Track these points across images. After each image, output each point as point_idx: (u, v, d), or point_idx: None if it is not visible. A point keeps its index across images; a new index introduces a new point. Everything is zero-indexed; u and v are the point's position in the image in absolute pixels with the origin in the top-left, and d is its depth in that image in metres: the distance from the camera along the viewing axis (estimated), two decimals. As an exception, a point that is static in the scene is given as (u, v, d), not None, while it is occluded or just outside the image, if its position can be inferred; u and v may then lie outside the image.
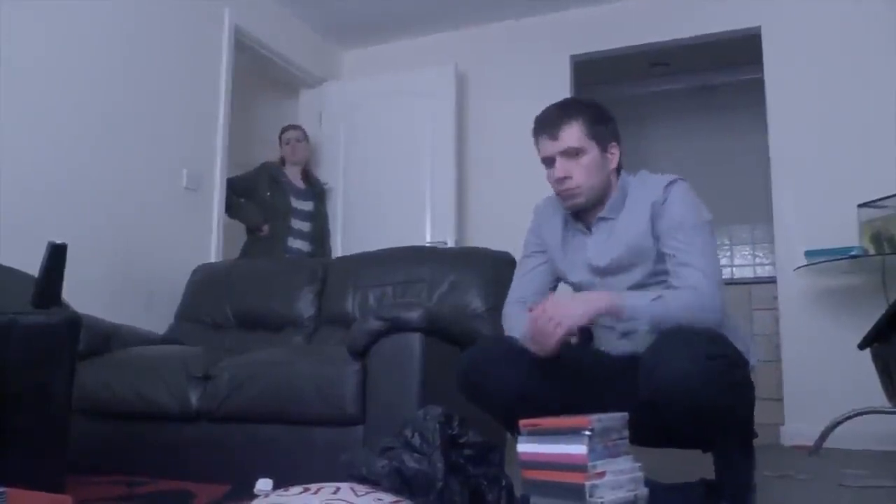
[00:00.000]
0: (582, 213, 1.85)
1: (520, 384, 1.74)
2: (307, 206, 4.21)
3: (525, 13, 4.62)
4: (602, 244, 1.81)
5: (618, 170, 1.84)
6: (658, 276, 1.75)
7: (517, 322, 1.85)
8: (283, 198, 4.10)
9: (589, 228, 1.85)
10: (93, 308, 2.71)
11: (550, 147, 1.78)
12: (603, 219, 1.82)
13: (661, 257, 1.74)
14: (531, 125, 1.85)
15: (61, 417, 1.72)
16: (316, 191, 4.33)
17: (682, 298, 1.64)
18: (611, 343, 1.84)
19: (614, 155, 1.82)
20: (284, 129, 4.31)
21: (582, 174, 1.76)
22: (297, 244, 4.10)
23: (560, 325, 1.60)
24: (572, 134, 1.76)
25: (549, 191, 1.88)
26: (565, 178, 1.76)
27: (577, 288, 1.88)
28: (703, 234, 1.71)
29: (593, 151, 1.77)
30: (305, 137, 4.31)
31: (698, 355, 1.50)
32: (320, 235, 4.29)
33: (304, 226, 4.17)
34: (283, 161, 4.24)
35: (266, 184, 4.10)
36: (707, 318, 1.62)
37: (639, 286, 1.75)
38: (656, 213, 1.74)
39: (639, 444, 1.64)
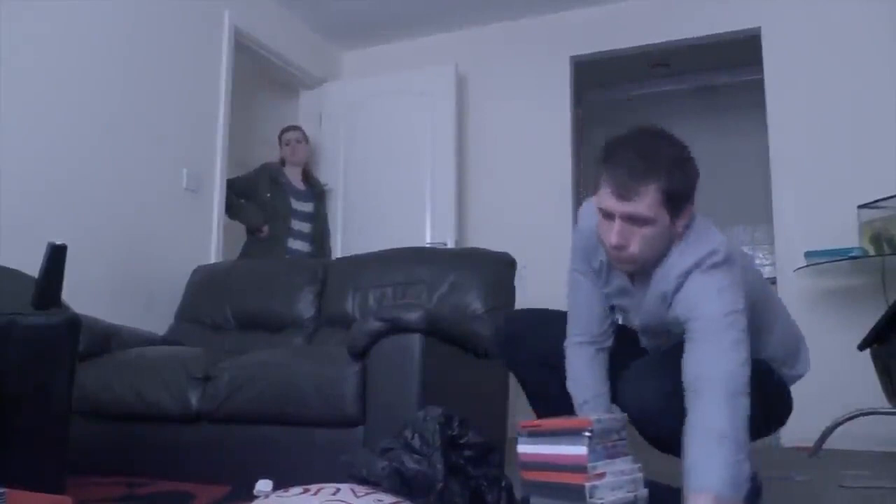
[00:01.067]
0: None
1: (556, 343, 1.78)
2: (307, 207, 4.21)
3: (525, 14, 4.62)
4: (637, 304, 1.68)
5: (687, 225, 1.56)
6: None
7: (582, 376, 1.75)
8: (283, 199, 4.10)
9: (631, 278, 1.68)
10: (93, 309, 2.71)
11: (614, 205, 1.49)
12: (644, 276, 1.63)
13: None
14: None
15: (61, 418, 1.71)
16: (316, 192, 4.33)
17: (723, 408, 1.38)
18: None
19: (684, 218, 1.53)
20: (284, 130, 4.31)
21: (640, 245, 1.51)
22: (296, 245, 4.10)
23: None
24: (645, 201, 1.46)
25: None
26: (622, 246, 1.51)
27: (615, 310, 1.79)
28: (722, 336, 1.45)
29: (662, 221, 1.49)
30: (305, 138, 4.31)
31: (663, 391, 1.49)
32: (320, 236, 4.29)
33: (304, 227, 4.17)
34: (283, 162, 4.24)
35: (266, 185, 4.10)
36: (744, 397, 1.42)
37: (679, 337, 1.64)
38: (666, 306, 1.57)
39: None
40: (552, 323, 1.85)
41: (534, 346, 1.85)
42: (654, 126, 1.58)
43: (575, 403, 1.75)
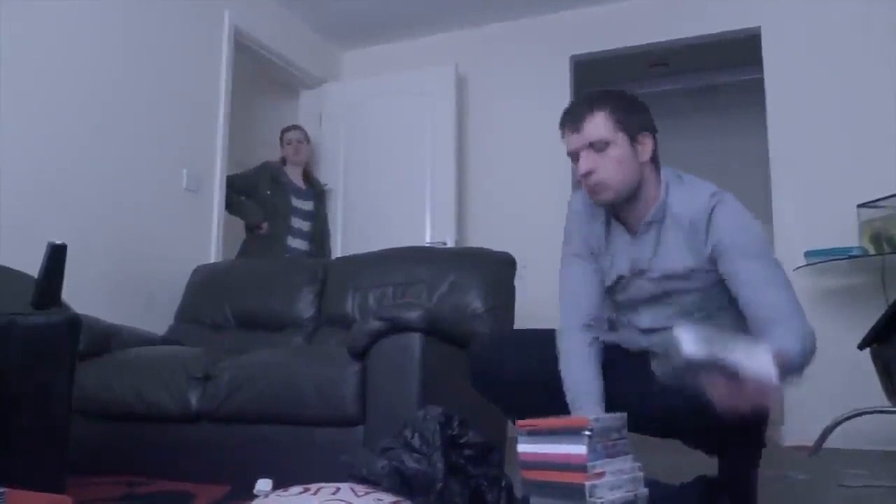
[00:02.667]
0: (623, 214, 1.71)
1: (533, 370, 1.74)
2: (307, 205, 4.22)
3: (525, 14, 4.62)
4: (651, 252, 1.68)
5: (654, 161, 1.67)
6: (718, 282, 1.63)
7: (579, 366, 1.72)
8: (283, 197, 4.11)
9: (633, 231, 1.71)
10: (93, 309, 2.71)
11: (575, 140, 1.64)
12: (649, 223, 1.67)
13: (715, 269, 1.61)
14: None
15: (61, 418, 1.71)
16: (316, 191, 4.33)
17: (800, 342, 1.48)
18: (632, 339, 1.80)
19: (645, 145, 1.65)
20: (286, 130, 4.31)
21: (609, 168, 1.61)
22: (296, 243, 4.11)
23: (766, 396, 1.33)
24: (597, 125, 1.61)
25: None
26: (590, 172, 1.61)
27: (617, 283, 1.76)
28: (769, 260, 1.59)
29: (622, 143, 1.61)
30: (307, 138, 4.31)
31: (695, 399, 1.43)
32: (319, 235, 4.29)
33: (304, 225, 4.18)
34: (283, 161, 4.25)
35: (266, 182, 4.10)
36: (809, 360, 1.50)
37: (696, 290, 1.66)
38: (700, 235, 1.61)
39: (646, 434, 1.66)
40: (528, 345, 1.80)
41: (510, 371, 1.77)
42: None
43: (567, 398, 1.72)
